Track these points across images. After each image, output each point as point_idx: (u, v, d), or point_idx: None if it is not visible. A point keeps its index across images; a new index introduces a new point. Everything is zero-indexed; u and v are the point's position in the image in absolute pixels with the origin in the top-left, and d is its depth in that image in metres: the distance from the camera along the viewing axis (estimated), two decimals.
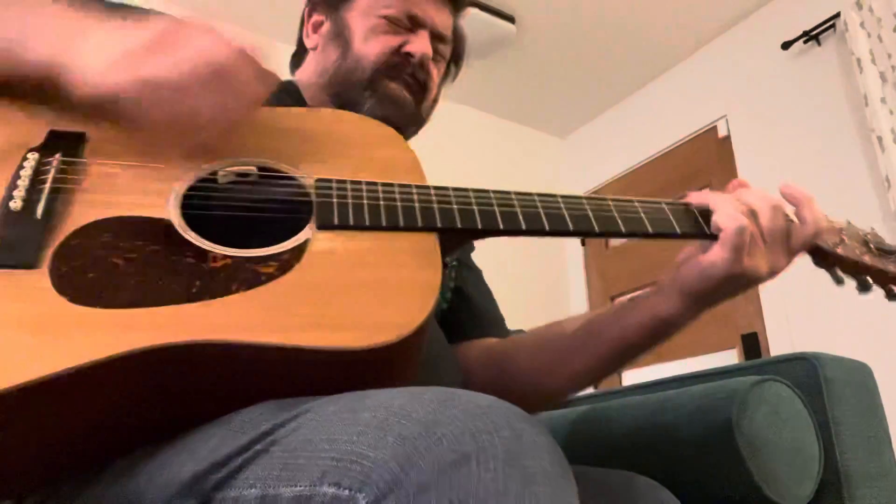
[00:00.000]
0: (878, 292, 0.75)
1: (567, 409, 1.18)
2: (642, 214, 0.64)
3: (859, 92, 2.22)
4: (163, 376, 0.45)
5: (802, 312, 2.30)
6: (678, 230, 0.65)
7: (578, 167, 3.41)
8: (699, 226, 0.65)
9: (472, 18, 2.69)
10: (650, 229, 0.64)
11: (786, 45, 2.51)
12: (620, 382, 3.00)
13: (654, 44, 2.90)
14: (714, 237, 0.63)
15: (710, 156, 2.81)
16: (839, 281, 0.73)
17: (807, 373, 0.88)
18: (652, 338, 0.69)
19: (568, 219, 0.62)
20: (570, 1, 2.66)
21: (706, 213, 0.65)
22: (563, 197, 0.63)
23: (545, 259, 3.27)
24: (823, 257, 0.71)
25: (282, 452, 0.40)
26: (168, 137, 0.54)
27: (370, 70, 0.80)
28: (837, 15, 2.36)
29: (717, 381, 0.92)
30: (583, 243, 3.35)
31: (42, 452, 0.45)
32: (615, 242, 3.23)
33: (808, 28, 2.45)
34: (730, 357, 2.56)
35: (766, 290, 2.44)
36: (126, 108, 0.51)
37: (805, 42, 2.48)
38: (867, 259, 0.72)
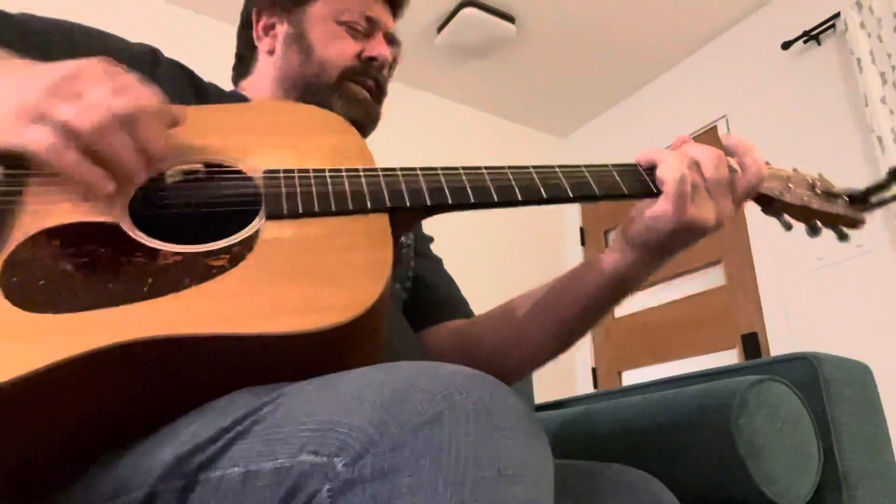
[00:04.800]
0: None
1: (566, 408, 1.18)
2: (589, 178, 0.66)
3: (859, 92, 2.22)
4: (123, 376, 0.45)
5: (802, 312, 2.30)
6: (625, 190, 0.66)
7: None
8: (646, 184, 0.66)
9: (472, 18, 2.70)
10: (597, 191, 0.65)
11: (786, 45, 2.51)
12: (620, 382, 3.00)
13: (654, 44, 2.90)
14: (661, 192, 0.64)
15: None
16: (787, 227, 0.75)
17: (806, 373, 0.88)
18: (611, 296, 0.70)
19: (516, 189, 0.63)
20: (569, 1, 2.66)
21: (652, 172, 0.66)
22: (510, 168, 0.65)
23: (544, 259, 3.27)
24: (770, 204, 0.73)
25: (263, 430, 0.40)
26: (81, 185, 0.52)
27: (335, 74, 0.83)
28: (837, 15, 2.36)
29: (717, 381, 0.92)
30: (582, 243, 3.35)
31: (13, 459, 0.45)
32: None
33: (808, 28, 2.45)
34: (730, 357, 2.56)
35: (766, 290, 2.45)
36: (36, 158, 0.49)
37: (805, 42, 2.48)
38: (815, 203, 0.74)
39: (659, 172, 0.65)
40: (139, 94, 0.51)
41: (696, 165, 0.65)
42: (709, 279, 2.71)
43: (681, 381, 1.03)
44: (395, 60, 0.92)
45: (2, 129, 0.49)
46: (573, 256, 3.36)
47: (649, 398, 0.99)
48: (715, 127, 2.83)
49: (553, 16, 2.74)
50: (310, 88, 0.83)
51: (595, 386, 3.07)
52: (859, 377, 0.91)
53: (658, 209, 0.64)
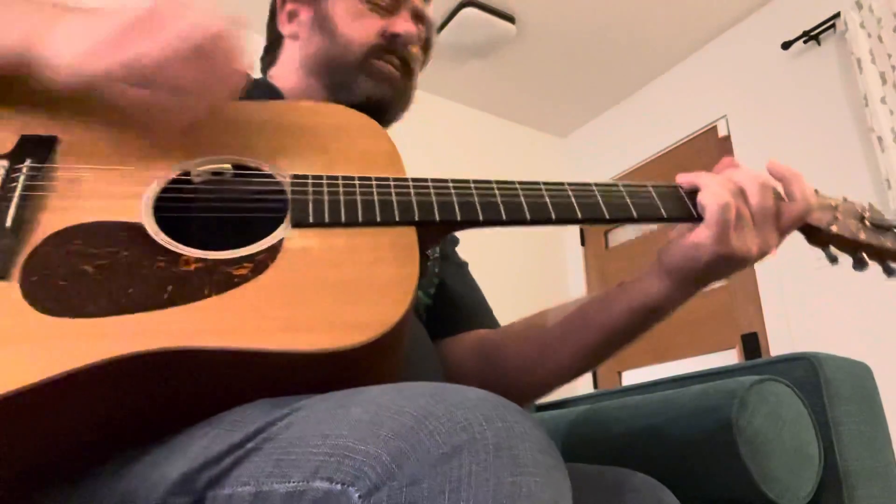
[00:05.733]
0: (875, 269, 0.72)
1: (567, 409, 1.18)
2: (627, 199, 0.62)
3: (859, 92, 2.22)
4: (139, 385, 0.44)
5: (802, 312, 2.30)
6: (664, 214, 0.62)
7: (578, 167, 3.41)
8: (687, 208, 0.63)
9: (472, 18, 2.69)
10: (635, 214, 0.61)
11: (786, 45, 2.51)
12: (620, 382, 3.00)
13: (654, 44, 2.90)
14: (701, 218, 0.61)
15: (710, 156, 2.81)
16: (833, 259, 0.70)
17: (806, 373, 0.88)
18: (641, 322, 0.67)
19: (550, 207, 0.59)
20: (569, 1, 2.66)
21: (694, 196, 0.63)
22: (545, 184, 0.61)
23: (544, 259, 3.27)
24: (816, 235, 0.69)
25: (274, 449, 0.40)
26: (151, 122, 0.53)
27: (360, 53, 0.80)
28: (837, 15, 2.36)
29: (717, 381, 0.92)
30: (582, 243, 3.35)
31: (23, 463, 0.45)
32: (615, 242, 3.23)
33: (808, 28, 2.45)
34: (730, 357, 2.56)
35: (766, 290, 2.45)
36: (108, 93, 0.50)
37: (805, 42, 2.48)
38: (863, 236, 0.70)
39: (701, 197, 0.61)
40: (217, 23, 0.52)
41: (740, 192, 0.62)
42: None
43: (681, 381, 1.03)
44: (428, 40, 0.89)
45: (74, 66, 0.50)
46: (573, 256, 3.36)
47: (649, 398, 0.99)
48: (715, 127, 2.83)
49: (553, 16, 2.74)
50: (335, 70, 0.81)
51: (595, 386, 3.07)
52: (859, 377, 0.91)
53: (698, 236, 0.60)
